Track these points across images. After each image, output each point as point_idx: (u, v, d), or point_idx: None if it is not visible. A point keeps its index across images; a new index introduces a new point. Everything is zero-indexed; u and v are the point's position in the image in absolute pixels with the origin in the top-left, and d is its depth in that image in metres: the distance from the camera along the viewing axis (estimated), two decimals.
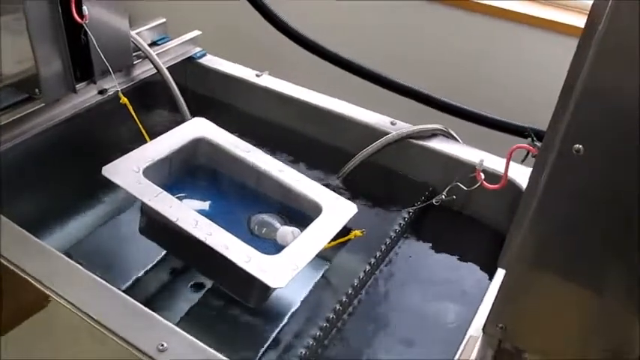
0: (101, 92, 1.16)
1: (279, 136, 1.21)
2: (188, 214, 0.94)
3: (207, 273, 0.99)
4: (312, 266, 0.90)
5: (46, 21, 0.97)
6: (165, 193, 0.96)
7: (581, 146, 0.49)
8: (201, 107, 1.24)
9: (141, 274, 1.05)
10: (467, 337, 0.73)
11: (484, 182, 0.74)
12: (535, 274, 0.62)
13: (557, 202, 0.55)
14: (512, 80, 1.75)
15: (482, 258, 1.06)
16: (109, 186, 1.20)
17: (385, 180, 1.15)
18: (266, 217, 1.02)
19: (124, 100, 1.09)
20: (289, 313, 0.97)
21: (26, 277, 0.78)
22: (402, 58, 1.77)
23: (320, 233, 0.94)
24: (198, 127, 1.12)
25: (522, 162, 0.68)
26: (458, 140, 1.13)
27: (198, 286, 1.03)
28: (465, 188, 0.84)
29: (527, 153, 0.66)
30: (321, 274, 1.03)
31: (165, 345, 0.70)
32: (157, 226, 1.00)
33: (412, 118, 1.16)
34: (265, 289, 0.95)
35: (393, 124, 1.15)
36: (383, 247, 1.02)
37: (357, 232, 0.95)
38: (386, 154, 1.12)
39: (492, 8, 1.71)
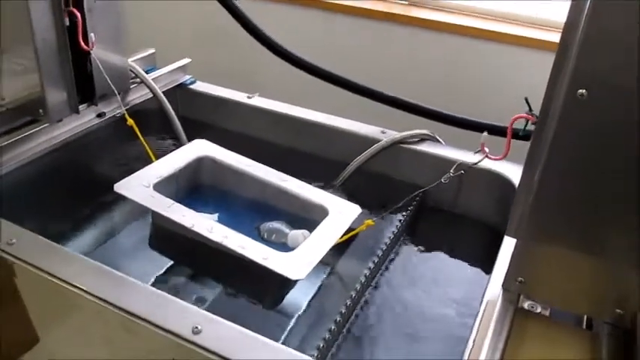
0: (99, 115, 1.20)
1: (275, 154, 1.26)
2: (203, 221, 0.97)
3: (222, 278, 1.01)
4: (314, 271, 0.93)
5: (54, 49, 1.02)
6: (177, 204, 1.00)
7: (584, 91, 0.57)
8: (195, 131, 1.28)
9: None
10: (484, 303, 0.78)
11: (489, 155, 0.81)
12: (546, 231, 0.68)
13: (565, 149, 0.61)
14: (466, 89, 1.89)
15: (476, 250, 1.12)
16: (107, 208, 1.21)
17: (380, 184, 1.21)
18: (275, 224, 1.06)
19: (131, 121, 1.13)
20: (296, 317, 0.98)
21: (55, 280, 0.79)
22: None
23: (329, 232, 0.98)
24: (201, 147, 1.17)
25: (522, 131, 0.75)
26: (442, 143, 1.20)
27: (201, 300, 1.04)
28: (471, 164, 0.90)
29: (527, 122, 0.74)
30: (323, 278, 1.06)
31: (199, 327, 0.72)
32: (168, 237, 1.03)
33: (395, 129, 1.23)
34: (281, 288, 0.98)
35: (383, 132, 1.21)
36: (388, 241, 1.06)
37: (370, 222, 0.99)
38: (379, 160, 1.19)
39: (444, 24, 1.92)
